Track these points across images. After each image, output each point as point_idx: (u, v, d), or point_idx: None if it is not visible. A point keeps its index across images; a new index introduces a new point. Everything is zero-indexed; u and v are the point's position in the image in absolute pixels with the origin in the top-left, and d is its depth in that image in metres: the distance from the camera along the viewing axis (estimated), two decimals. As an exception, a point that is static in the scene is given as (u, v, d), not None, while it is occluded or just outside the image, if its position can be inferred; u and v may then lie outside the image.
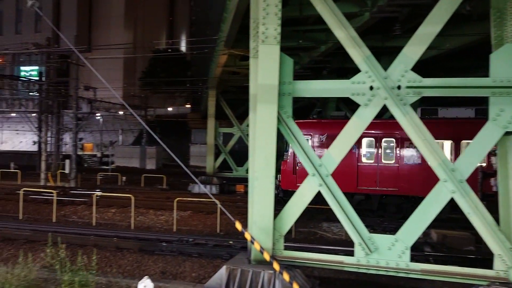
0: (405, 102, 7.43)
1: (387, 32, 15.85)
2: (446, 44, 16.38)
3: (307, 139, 16.89)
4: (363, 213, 15.33)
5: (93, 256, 8.31)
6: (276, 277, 7.44)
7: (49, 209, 18.41)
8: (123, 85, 57.01)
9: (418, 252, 11.46)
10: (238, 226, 7.84)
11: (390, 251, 7.53)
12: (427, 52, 7.90)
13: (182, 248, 12.57)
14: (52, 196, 18.13)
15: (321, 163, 7.80)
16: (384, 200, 16.96)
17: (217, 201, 9.04)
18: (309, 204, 8.05)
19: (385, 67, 7.59)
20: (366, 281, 10.16)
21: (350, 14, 13.35)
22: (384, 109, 7.72)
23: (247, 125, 27.27)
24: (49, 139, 30.01)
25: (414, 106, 8.22)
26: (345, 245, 12.37)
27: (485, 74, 7.39)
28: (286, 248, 8.15)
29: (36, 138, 34.34)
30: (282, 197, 17.38)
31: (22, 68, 56.83)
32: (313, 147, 17.17)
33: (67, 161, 28.50)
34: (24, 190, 18.76)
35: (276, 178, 8.64)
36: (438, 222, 10.05)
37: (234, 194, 25.25)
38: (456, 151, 15.91)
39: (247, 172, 9.10)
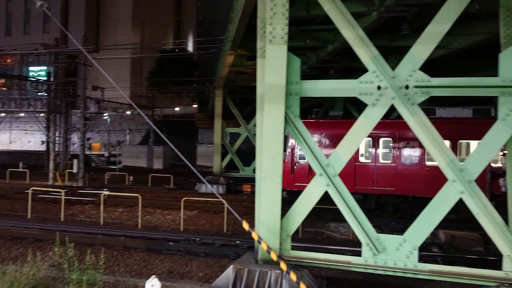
0: (413, 101, 7.39)
1: (395, 32, 15.79)
2: (454, 43, 16.28)
3: None
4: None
5: (100, 255, 8.35)
6: (283, 277, 7.43)
7: (57, 208, 18.53)
8: (130, 85, 57.30)
9: (426, 252, 11.41)
10: (245, 225, 7.84)
11: (397, 252, 7.49)
12: (435, 52, 7.85)
13: (189, 247, 12.59)
14: (60, 195, 18.25)
15: (329, 163, 7.78)
16: (382, 199, 16.93)
17: (224, 201, 9.05)
18: (316, 204, 8.04)
19: (393, 66, 7.55)
20: (373, 281, 10.12)
21: (358, 13, 13.29)
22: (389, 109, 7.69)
23: (254, 125, 27.43)
24: (57, 138, 30.21)
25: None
26: (352, 245, 12.34)
27: (494, 73, 7.33)
28: (293, 248, 8.13)
29: (44, 138, 34.51)
30: (285, 197, 17.38)
31: (30, 68, 57.32)
32: None
33: (75, 161, 28.71)
34: (32, 190, 18.90)
35: None
36: (446, 222, 9.99)
37: (241, 194, 25.27)
38: (453, 151, 15.86)
39: (253, 172, 9.10)
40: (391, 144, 16.56)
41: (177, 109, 59.48)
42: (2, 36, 68.57)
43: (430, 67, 9.82)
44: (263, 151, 7.97)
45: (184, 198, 16.80)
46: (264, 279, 7.53)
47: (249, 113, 29.47)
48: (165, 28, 75.14)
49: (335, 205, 7.81)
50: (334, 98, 24.34)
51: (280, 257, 7.61)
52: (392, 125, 16.34)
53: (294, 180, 17.08)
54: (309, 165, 17.42)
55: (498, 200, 13.27)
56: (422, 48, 7.42)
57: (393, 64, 7.59)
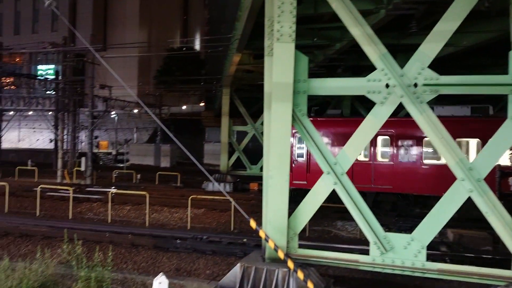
0: (422, 100, 7.35)
1: (403, 30, 15.67)
2: (463, 41, 16.13)
3: None
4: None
5: (108, 253, 8.39)
6: (291, 275, 7.43)
7: (65, 206, 18.65)
8: (138, 83, 57.54)
9: (434, 251, 11.35)
10: (253, 224, 7.85)
11: (405, 250, 7.46)
12: (443, 49, 7.79)
13: (196, 245, 12.62)
14: (68, 193, 18.37)
15: (336, 161, 7.76)
16: (379, 197, 16.90)
17: (231, 199, 9.06)
18: (323, 202, 8.02)
19: (401, 64, 7.51)
20: (381, 280, 10.09)
21: (366, 11, 13.20)
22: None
23: (261, 123, 27.47)
24: (65, 137, 30.44)
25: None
26: (360, 244, 12.31)
27: (503, 71, 7.26)
28: (301, 246, 8.12)
29: (52, 136, 34.82)
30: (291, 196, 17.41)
31: (39, 67, 57.64)
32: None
33: (83, 159, 28.89)
34: (41, 187, 19.03)
35: None
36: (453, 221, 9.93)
37: (248, 192, 25.27)
38: None
39: (260, 170, 9.12)
40: (388, 143, 16.56)
41: (184, 107, 59.61)
42: (11, 35, 69.12)
43: (439, 65, 9.75)
44: (270, 150, 7.97)
45: (191, 196, 16.84)
46: (271, 277, 7.53)
47: (256, 111, 29.49)
48: (173, 26, 75.30)
49: (337, 203, 7.79)
50: (341, 96, 24.27)
51: (287, 255, 7.61)
52: (390, 123, 16.30)
53: (293, 178, 17.09)
54: (306, 163, 17.48)
55: (507, 199, 13.17)
56: (431, 46, 7.38)
57: (402, 62, 7.54)
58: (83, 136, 36.82)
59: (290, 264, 7.40)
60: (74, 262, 7.95)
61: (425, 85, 7.35)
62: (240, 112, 29.38)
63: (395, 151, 16.44)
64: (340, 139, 17.06)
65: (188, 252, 12.30)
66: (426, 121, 7.31)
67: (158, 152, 46.26)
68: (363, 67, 19.27)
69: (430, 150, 16.08)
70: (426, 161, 16.05)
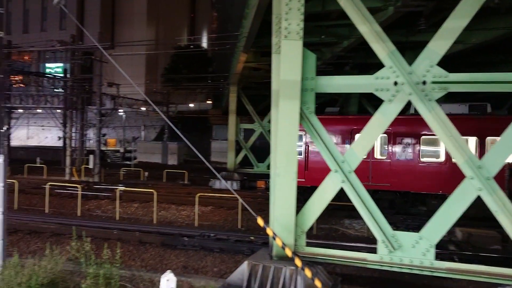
0: (430, 97, 7.29)
1: (412, 27, 15.58)
2: (472, 38, 16.01)
3: (301, 135, 16.89)
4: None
5: (117, 250, 8.43)
6: (298, 273, 7.41)
7: (73, 203, 18.77)
8: (145, 81, 57.70)
9: (442, 250, 11.29)
10: (260, 222, 7.85)
11: (414, 249, 7.42)
12: (452, 47, 7.71)
13: (204, 243, 12.67)
14: (77, 190, 18.48)
15: (344, 159, 7.74)
16: (377, 195, 16.85)
17: (238, 197, 9.06)
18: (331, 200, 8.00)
19: (410, 62, 7.46)
20: (389, 278, 10.06)
21: (374, 8, 13.15)
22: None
23: (269, 121, 27.41)
24: (73, 134, 30.62)
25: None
26: (368, 242, 12.28)
27: (513, 69, 7.20)
28: (308, 244, 8.10)
29: (61, 134, 35.00)
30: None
31: (47, 65, 57.96)
32: (306, 142, 17.24)
33: (91, 156, 29.06)
34: (50, 185, 19.18)
35: None
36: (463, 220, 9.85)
37: (255, 190, 25.28)
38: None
39: (268, 168, 9.12)
40: (386, 140, 16.52)
41: (191, 105, 59.70)
42: (19, 33, 69.48)
43: (447, 62, 9.68)
44: (277, 148, 7.95)
45: (199, 194, 16.89)
46: (279, 275, 7.52)
47: (264, 109, 29.48)
48: (180, 24, 75.38)
49: (343, 201, 7.76)
50: (349, 94, 24.17)
51: (295, 253, 7.60)
52: None
53: None
54: (305, 161, 17.47)
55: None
56: (440, 43, 7.31)
57: (410, 60, 7.48)
58: (91, 133, 37.03)
59: (298, 262, 7.39)
60: (82, 259, 8.00)
61: (434, 82, 7.29)
62: (247, 110, 29.39)
63: (392, 149, 16.43)
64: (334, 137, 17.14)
65: (196, 249, 12.34)
66: (435, 119, 7.26)
67: (165, 150, 46.40)
68: (371, 65, 19.18)
69: (428, 148, 16.06)
70: (423, 159, 16.06)
